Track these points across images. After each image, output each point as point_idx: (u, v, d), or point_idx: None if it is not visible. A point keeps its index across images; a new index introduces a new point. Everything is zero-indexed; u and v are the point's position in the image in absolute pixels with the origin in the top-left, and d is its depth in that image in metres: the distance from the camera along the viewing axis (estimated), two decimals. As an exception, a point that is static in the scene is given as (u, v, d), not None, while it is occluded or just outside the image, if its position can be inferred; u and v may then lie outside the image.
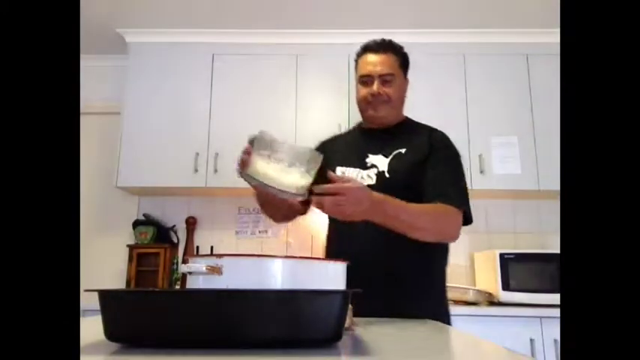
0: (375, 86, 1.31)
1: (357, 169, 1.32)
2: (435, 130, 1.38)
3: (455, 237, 1.22)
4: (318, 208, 1.03)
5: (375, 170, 1.30)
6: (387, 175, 1.28)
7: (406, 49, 1.41)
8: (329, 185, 1.01)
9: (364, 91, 1.33)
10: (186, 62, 2.81)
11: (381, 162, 1.31)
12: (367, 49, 1.36)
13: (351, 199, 1.01)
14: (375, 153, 1.33)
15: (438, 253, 1.31)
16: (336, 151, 1.39)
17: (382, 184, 1.25)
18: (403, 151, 1.31)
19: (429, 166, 1.27)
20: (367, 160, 1.33)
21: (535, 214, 2.85)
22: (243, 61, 2.79)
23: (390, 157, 1.31)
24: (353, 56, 1.42)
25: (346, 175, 1.31)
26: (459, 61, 2.76)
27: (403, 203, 1.12)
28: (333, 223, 1.36)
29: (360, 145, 1.38)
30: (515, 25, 2.73)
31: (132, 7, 2.62)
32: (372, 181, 1.28)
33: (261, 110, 2.71)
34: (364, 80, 1.33)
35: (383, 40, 1.36)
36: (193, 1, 2.57)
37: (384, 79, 1.31)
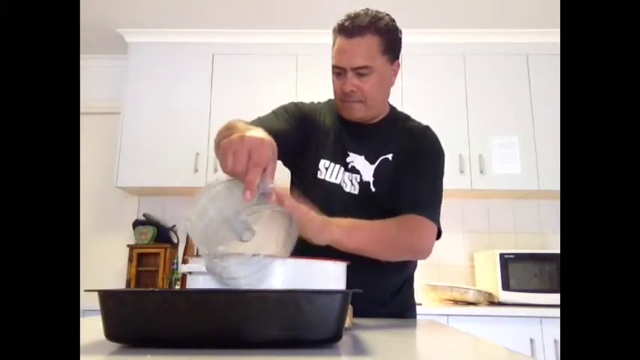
0: (348, 83, 1.07)
1: (341, 168, 1.14)
2: (426, 129, 1.18)
3: (428, 251, 1.03)
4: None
5: (357, 177, 1.12)
6: (372, 188, 1.11)
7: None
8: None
9: (337, 84, 1.11)
10: (186, 62, 2.81)
11: (364, 168, 1.13)
12: (341, 30, 1.08)
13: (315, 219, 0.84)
14: (357, 152, 1.14)
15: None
16: (320, 136, 1.18)
17: (367, 197, 1.11)
18: (390, 157, 1.13)
19: (409, 170, 1.10)
20: (348, 159, 1.14)
21: (535, 214, 2.85)
22: (242, 61, 2.79)
23: (376, 164, 1.13)
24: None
25: (329, 171, 1.14)
26: (459, 61, 2.77)
27: (359, 220, 0.95)
28: None
29: (341, 138, 1.16)
30: (515, 25, 2.73)
31: (132, 7, 2.62)
32: (355, 191, 1.12)
33: (261, 110, 2.70)
34: (336, 71, 1.10)
35: (361, 17, 1.06)
36: (193, 1, 2.57)
37: (359, 72, 1.06)
